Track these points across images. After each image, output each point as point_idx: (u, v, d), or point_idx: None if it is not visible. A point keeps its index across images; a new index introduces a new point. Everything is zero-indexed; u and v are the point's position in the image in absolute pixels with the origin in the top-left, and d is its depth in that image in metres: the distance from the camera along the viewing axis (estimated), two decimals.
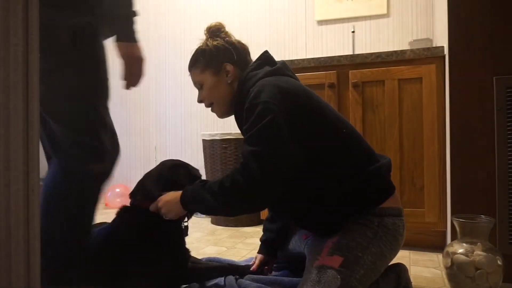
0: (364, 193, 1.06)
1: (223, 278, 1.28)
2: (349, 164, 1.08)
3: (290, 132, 1.00)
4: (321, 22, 2.70)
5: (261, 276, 1.30)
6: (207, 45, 1.23)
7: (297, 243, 1.33)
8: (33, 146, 0.63)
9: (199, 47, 1.26)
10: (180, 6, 3.15)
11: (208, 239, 2.10)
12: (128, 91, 1.23)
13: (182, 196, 1.10)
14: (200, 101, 1.26)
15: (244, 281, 1.25)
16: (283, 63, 1.22)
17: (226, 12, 2.98)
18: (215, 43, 1.22)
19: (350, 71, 1.90)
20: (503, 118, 1.38)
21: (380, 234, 1.02)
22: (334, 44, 2.67)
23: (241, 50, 1.25)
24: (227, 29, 1.28)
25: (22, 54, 0.61)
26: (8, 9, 0.59)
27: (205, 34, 1.27)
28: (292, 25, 2.79)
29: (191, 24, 3.11)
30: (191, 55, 1.27)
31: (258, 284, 1.21)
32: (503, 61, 1.39)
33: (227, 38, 1.24)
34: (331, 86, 1.93)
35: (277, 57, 2.90)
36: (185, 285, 1.23)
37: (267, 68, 1.17)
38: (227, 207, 1.04)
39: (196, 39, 1.29)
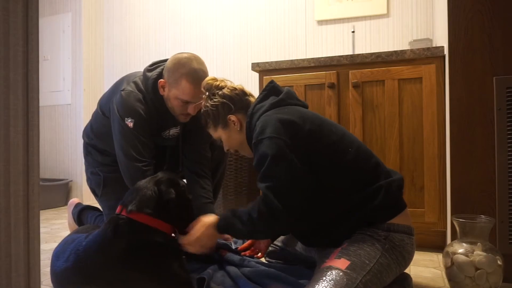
0: (370, 207, 1.08)
1: (223, 271, 1.30)
2: (355, 181, 1.11)
3: (298, 157, 1.08)
4: (321, 22, 2.70)
5: (268, 268, 1.31)
6: (206, 105, 1.34)
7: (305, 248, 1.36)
8: (33, 146, 0.63)
9: (202, 109, 1.37)
10: (180, 6, 3.15)
11: None
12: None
13: (218, 226, 1.21)
14: (227, 150, 1.39)
15: (245, 269, 1.29)
16: (287, 92, 1.28)
17: (226, 12, 2.98)
18: (212, 102, 1.32)
19: (350, 71, 1.90)
20: (503, 118, 1.38)
21: (387, 247, 1.05)
22: (334, 44, 2.67)
23: (235, 97, 1.32)
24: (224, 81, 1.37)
25: (22, 54, 0.61)
26: (8, 9, 0.59)
27: (203, 91, 1.37)
28: (292, 25, 2.79)
29: (191, 24, 3.11)
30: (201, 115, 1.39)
31: (263, 269, 1.26)
32: (503, 61, 1.39)
33: (220, 92, 1.32)
34: (331, 86, 1.93)
35: (277, 57, 2.86)
36: (199, 276, 1.24)
37: (271, 100, 1.25)
38: (256, 233, 1.16)
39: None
